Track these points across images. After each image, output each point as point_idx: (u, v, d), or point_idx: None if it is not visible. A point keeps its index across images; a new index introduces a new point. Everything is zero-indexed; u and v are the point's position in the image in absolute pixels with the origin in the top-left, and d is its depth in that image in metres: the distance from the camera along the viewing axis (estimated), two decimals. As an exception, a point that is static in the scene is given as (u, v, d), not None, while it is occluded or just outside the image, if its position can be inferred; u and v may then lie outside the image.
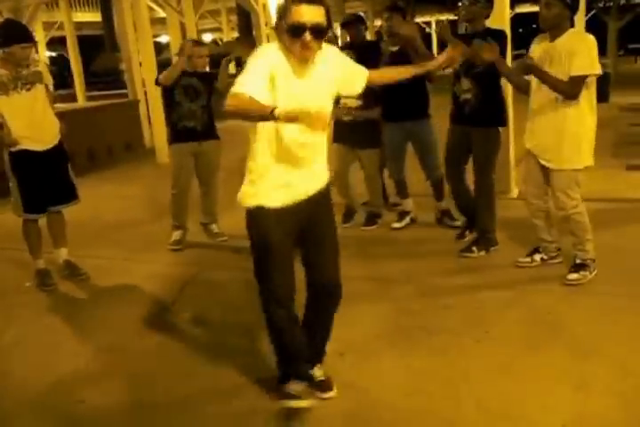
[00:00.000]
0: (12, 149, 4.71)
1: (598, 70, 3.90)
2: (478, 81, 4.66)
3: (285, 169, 2.81)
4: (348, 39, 6.08)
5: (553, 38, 4.01)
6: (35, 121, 4.72)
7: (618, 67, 19.92)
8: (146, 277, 5.03)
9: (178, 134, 5.49)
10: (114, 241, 5.95)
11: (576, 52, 3.86)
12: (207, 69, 5.83)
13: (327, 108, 2.83)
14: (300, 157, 2.81)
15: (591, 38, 3.95)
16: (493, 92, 4.75)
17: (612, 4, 21.44)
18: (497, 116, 4.80)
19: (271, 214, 2.82)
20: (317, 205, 2.96)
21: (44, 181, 4.82)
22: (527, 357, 3.36)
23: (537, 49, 4.14)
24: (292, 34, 2.61)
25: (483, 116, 4.71)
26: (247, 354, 3.64)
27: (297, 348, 3.05)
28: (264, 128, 2.73)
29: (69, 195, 5.01)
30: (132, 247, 5.52)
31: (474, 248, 4.85)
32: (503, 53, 4.61)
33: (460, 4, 4.89)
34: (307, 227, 2.95)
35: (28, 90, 4.66)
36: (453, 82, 4.86)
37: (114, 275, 5.11)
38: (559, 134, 4.04)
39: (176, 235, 5.63)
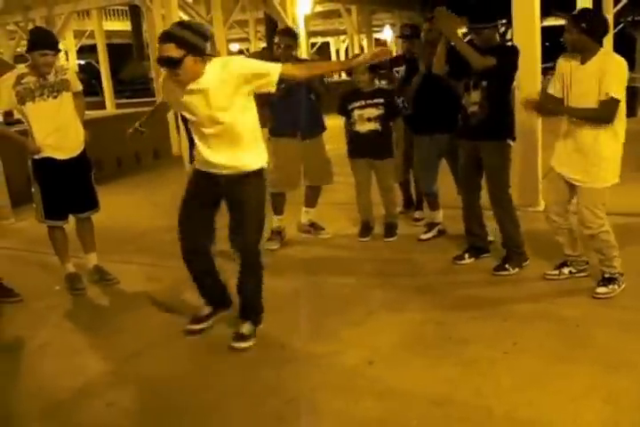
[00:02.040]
0: (36, 157, 4.77)
1: (620, 97, 3.87)
2: (487, 93, 4.62)
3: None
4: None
5: (584, 60, 4.00)
6: (59, 129, 4.77)
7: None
8: (174, 282, 5.07)
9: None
10: (142, 247, 6.01)
11: (605, 75, 3.85)
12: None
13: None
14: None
15: (621, 61, 3.94)
16: (502, 105, 4.69)
17: (641, 18, 21.34)
18: (504, 130, 4.72)
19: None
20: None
21: (66, 188, 4.87)
22: (556, 369, 3.35)
23: (566, 67, 4.11)
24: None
25: (490, 130, 4.62)
26: (278, 358, 3.67)
27: (204, 291, 4.07)
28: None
29: (90, 203, 5.07)
30: (161, 253, 5.56)
31: (507, 266, 4.75)
32: (511, 68, 4.64)
33: (468, 31, 4.87)
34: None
35: (55, 97, 4.73)
36: (462, 94, 4.80)
37: (142, 280, 5.17)
38: (591, 154, 4.03)
39: None
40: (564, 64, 4.14)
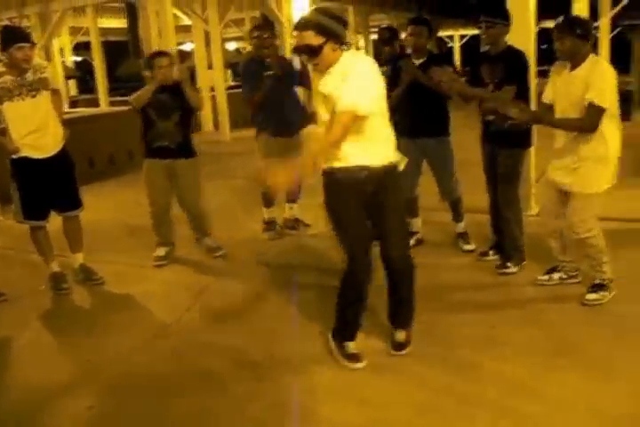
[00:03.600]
0: (14, 156, 4.69)
1: (606, 104, 3.82)
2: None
3: None
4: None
5: (573, 67, 3.98)
6: (38, 128, 4.69)
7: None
8: (161, 283, 5.04)
9: (151, 151, 5.30)
10: (130, 247, 5.95)
11: (591, 82, 3.82)
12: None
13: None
14: None
15: (608, 69, 3.91)
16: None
17: (637, 22, 21.32)
18: (521, 137, 4.71)
19: None
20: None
21: (45, 188, 4.79)
22: (543, 376, 3.31)
23: (557, 79, 4.11)
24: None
25: (507, 137, 4.61)
26: (261, 363, 3.62)
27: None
28: None
29: (73, 203, 4.98)
30: (149, 254, 5.51)
31: (509, 264, 4.77)
32: (521, 74, 4.62)
33: (478, 25, 4.83)
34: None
35: (34, 96, 4.65)
36: (479, 102, 4.81)
37: (129, 281, 5.11)
38: (583, 159, 3.99)
39: (159, 251, 5.49)
40: (556, 72, 4.13)
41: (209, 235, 5.65)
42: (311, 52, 3.19)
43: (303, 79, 5.68)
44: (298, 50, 3.26)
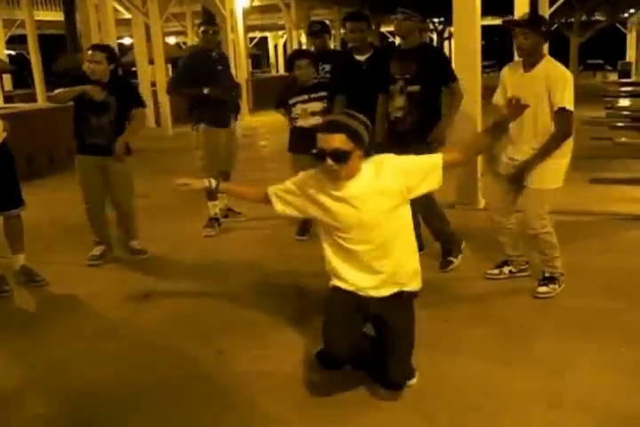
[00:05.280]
0: None
1: (571, 108, 3.91)
2: (412, 99, 4.58)
3: None
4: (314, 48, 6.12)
5: (529, 67, 4.00)
6: None
7: (578, 81, 20.25)
8: (106, 284, 4.89)
9: (83, 148, 5.16)
10: (74, 247, 5.76)
11: (557, 84, 3.86)
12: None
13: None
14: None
15: (567, 72, 3.98)
16: (429, 109, 4.64)
17: (573, 19, 21.88)
18: (424, 134, 4.65)
19: None
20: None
21: None
22: (499, 372, 3.32)
23: (511, 78, 4.13)
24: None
25: (415, 134, 4.56)
26: (206, 362, 3.54)
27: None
28: None
29: (13, 201, 4.77)
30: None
31: (450, 258, 4.78)
32: (444, 69, 4.62)
33: (393, 17, 4.80)
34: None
35: None
36: (388, 100, 4.76)
37: (73, 282, 4.94)
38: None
39: (95, 250, 5.34)
40: (508, 73, 4.14)
41: (136, 238, 5.52)
42: (339, 157, 2.89)
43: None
44: (324, 154, 2.92)
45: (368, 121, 3.02)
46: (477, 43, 6.04)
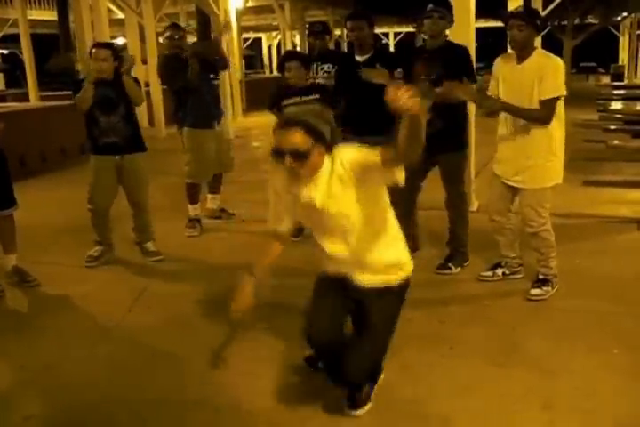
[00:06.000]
0: None
1: (564, 92, 3.92)
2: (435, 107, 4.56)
3: None
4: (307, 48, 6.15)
5: (521, 59, 4.01)
6: None
7: (571, 84, 20.31)
8: (99, 284, 4.87)
9: (98, 148, 5.14)
10: (66, 247, 5.75)
11: (544, 75, 3.87)
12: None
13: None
14: None
15: (559, 61, 3.99)
16: (456, 110, 4.64)
17: (567, 22, 21.92)
18: (458, 141, 4.70)
19: None
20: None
21: None
22: (493, 374, 3.32)
23: (503, 69, 4.13)
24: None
25: (445, 142, 4.48)
26: (199, 363, 3.52)
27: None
28: None
29: (6, 201, 4.74)
30: (84, 254, 5.32)
31: (450, 265, 4.76)
32: (466, 68, 4.59)
33: (425, 18, 4.75)
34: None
35: None
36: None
37: (65, 282, 4.92)
38: (530, 155, 4.03)
39: (94, 251, 5.31)
40: (501, 65, 4.15)
41: (153, 239, 5.50)
42: (297, 155, 2.71)
43: (219, 63, 6.18)
44: (279, 152, 2.75)
45: (331, 117, 2.87)
46: (471, 44, 6.04)
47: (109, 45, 5.29)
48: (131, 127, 5.15)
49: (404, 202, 4.96)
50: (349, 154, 2.80)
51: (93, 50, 5.02)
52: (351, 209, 2.83)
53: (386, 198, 2.91)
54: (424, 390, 3.19)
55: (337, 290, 2.99)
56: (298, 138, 2.70)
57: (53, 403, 3.28)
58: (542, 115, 3.93)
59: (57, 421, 3.13)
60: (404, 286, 3.01)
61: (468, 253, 4.87)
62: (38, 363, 3.68)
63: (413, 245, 4.84)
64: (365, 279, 2.93)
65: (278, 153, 2.76)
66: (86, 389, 3.37)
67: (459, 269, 4.77)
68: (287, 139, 2.71)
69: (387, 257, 2.95)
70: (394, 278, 2.96)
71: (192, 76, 5.73)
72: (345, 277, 2.96)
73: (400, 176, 2.67)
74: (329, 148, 2.78)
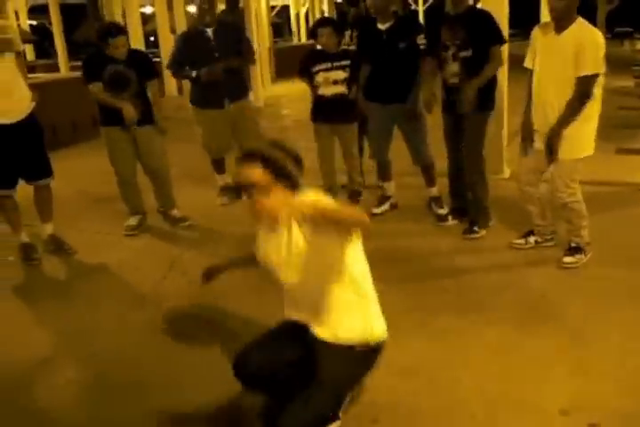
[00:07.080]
0: None
1: (602, 69, 3.86)
2: (466, 65, 4.56)
3: None
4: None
5: (560, 29, 3.92)
6: (2, 92, 4.45)
7: (606, 50, 19.85)
8: (133, 252, 4.95)
9: (107, 119, 5.14)
10: (99, 216, 5.84)
11: (584, 50, 3.80)
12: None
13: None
14: None
15: (599, 35, 3.89)
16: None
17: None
18: (484, 101, 4.65)
19: None
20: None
21: (13, 155, 4.60)
22: (524, 340, 3.33)
23: (541, 40, 4.06)
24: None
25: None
26: (238, 331, 3.58)
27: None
28: None
29: (43, 171, 4.81)
30: (118, 222, 5.40)
31: (476, 228, 4.80)
32: (492, 32, 4.57)
33: None
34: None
35: None
36: (440, 66, 4.75)
37: (100, 250, 5.01)
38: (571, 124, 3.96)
39: (131, 220, 5.40)
40: (539, 35, 4.07)
41: (174, 207, 5.54)
42: (256, 190, 2.41)
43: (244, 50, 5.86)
44: (238, 188, 2.52)
45: (296, 151, 2.53)
46: (505, 8, 5.94)
47: (123, 28, 5.28)
48: (142, 102, 5.11)
49: (450, 164, 5.08)
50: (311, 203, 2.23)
51: (112, 39, 4.86)
52: (306, 270, 2.53)
53: (352, 262, 2.61)
54: (457, 355, 3.21)
55: (294, 330, 2.69)
56: (255, 172, 2.40)
57: (93, 367, 3.36)
58: (579, 94, 3.87)
59: (96, 383, 3.21)
60: (368, 353, 2.62)
61: (490, 213, 4.90)
62: (78, 329, 3.77)
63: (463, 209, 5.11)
64: (320, 333, 2.61)
65: (236, 189, 2.54)
66: (125, 354, 3.45)
67: (484, 231, 4.81)
68: (244, 172, 2.44)
69: (347, 320, 2.60)
70: (357, 342, 2.58)
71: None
72: (305, 324, 2.67)
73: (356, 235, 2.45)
74: (293, 186, 2.45)
